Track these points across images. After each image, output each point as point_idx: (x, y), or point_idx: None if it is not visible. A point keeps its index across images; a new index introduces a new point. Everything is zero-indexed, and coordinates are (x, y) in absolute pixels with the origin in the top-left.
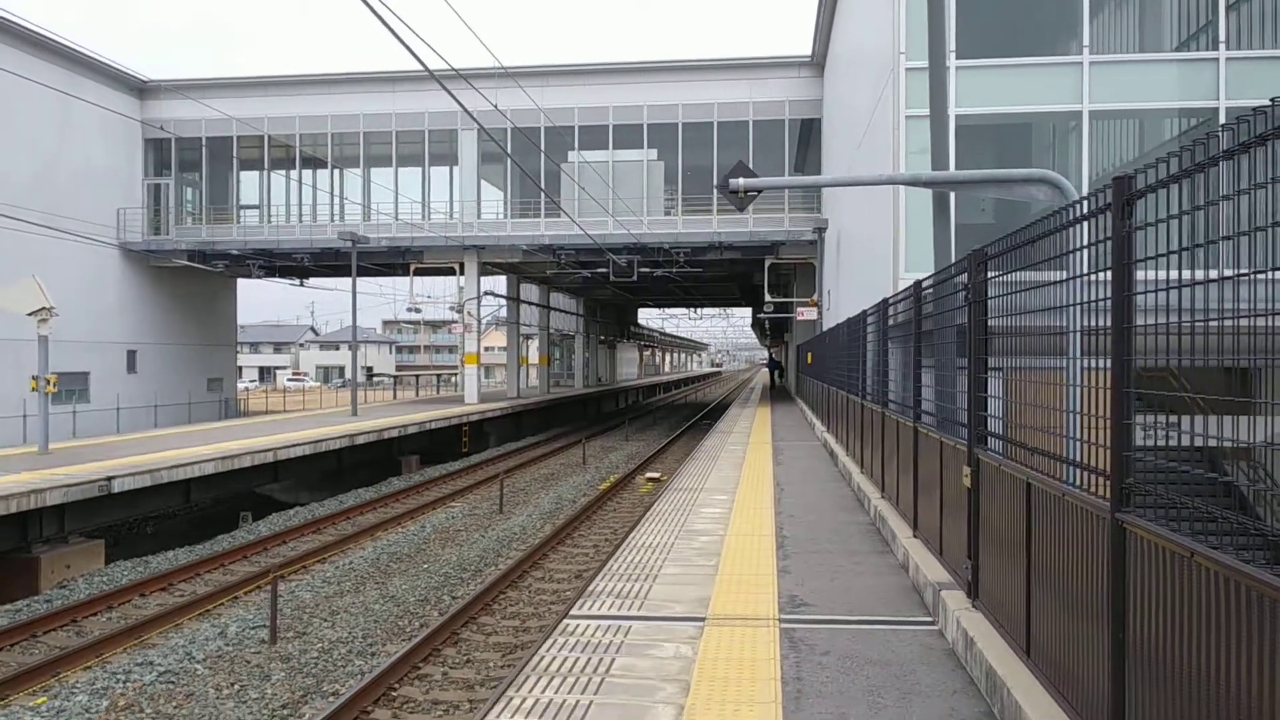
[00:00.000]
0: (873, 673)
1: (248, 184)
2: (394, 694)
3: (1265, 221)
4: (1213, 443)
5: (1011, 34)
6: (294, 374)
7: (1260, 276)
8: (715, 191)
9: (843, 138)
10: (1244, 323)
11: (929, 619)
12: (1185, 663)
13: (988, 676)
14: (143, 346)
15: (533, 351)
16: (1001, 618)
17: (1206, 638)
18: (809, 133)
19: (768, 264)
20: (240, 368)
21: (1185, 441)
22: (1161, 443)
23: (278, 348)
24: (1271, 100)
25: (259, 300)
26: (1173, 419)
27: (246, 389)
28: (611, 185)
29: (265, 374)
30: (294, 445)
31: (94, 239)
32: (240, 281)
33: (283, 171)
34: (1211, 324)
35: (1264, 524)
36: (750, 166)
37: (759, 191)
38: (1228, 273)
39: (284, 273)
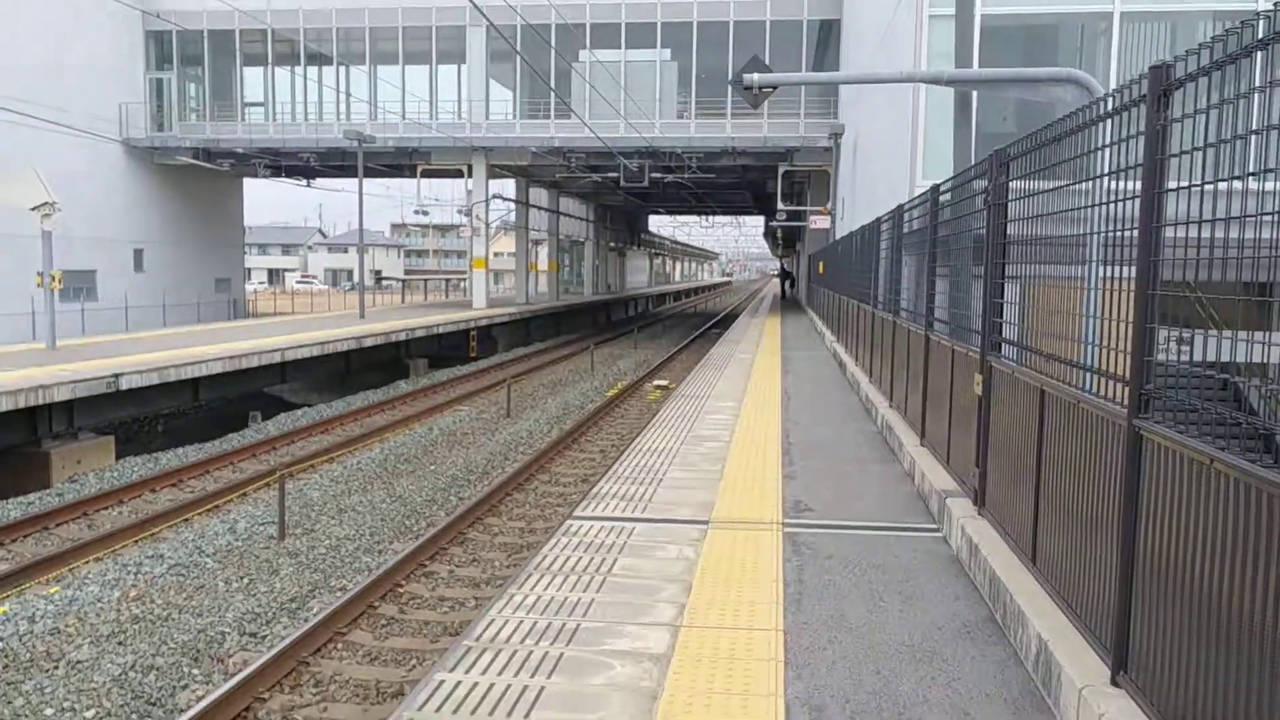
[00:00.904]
0: (874, 576)
1: (252, 80)
2: (400, 590)
3: None
4: (1228, 359)
5: None
6: (302, 276)
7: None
8: (729, 95)
9: (862, 39)
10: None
11: (933, 526)
12: (1197, 574)
13: (991, 583)
14: (149, 245)
15: (542, 257)
16: (1008, 526)
17: (1221, 548)
18: (828, 35)
19: (781, 171)
20: (248, 269)
21: (1200, 356)
22: (1176, 358)
23: (286, 250)
24: None
25: (267, 202)
26: (1190, 333)
27: (255, 290)
28: (624, 86)
29: (274, 276)
30: (302, 346)
31: (97, 134)
32: (247, 182)
33: (287, 68)
34: (1242, 236)
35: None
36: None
37: (773, 89)
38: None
39: (290, 172)
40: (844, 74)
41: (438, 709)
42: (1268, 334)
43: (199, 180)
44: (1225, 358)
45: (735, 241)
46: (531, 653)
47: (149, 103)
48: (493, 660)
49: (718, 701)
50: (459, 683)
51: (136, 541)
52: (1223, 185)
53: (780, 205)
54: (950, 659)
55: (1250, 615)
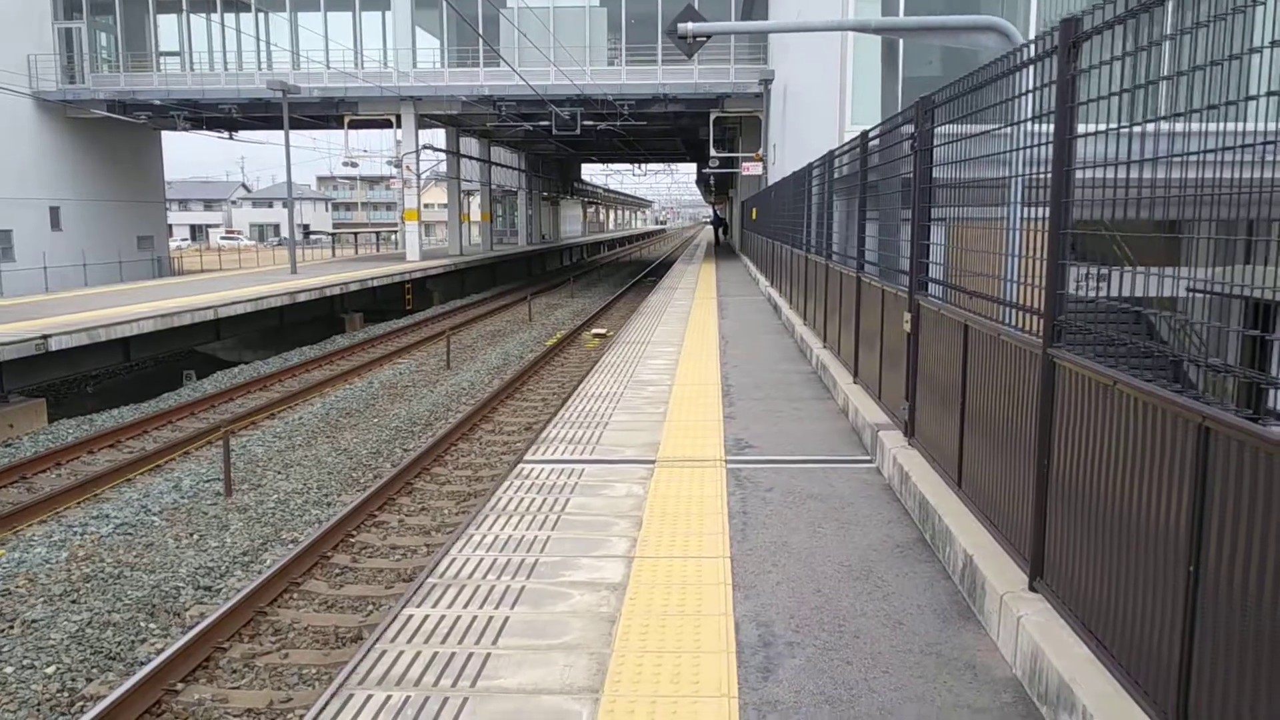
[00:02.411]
0: (814, 506)
1: (166, 29)
2: (352, 540)
3: (1209, 69)
4: (1140, 293)
5: None
6: (227, 232)
7: (1195, 127)
8: (660, 41)
9: None
10: (1176, 175)
11: (867, 458)
12: (1103, 484)
13: (921, 506)
14: (66, 203)
15: (474, 208)
16: (935, 454)
17: (1123, 464)
18: None
19: (713, 117)
20: (170, 226)
21: (1115, 292)
22: (1092, 295)
23: (209, 205)
24: None
25: (187, 157)
26: (1104, 270)
27: (179, 248)
28: (553, 33)
29: (197, 232)
30: (235, 303)
31: (4, 88)
32: (166, 135)
33: (204, 15)
34: (1146, 176)
35: (1181, 353)
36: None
37: (707, 37)
38: (1164, 126)
39: (211, 125)
40: (775, 23)
41: (409, 639)
42: (1176, 270)
43: (115, 134)
44: (1139, 292)
45: (668, 189)
46: (494, 587)
47: (59, 54)
48: (458, 595)
49: (672, 622)
50: (426, 616)
51: (79, 503)
52: (1138, 128)
53: (713, 152)
54: (884, 576)
55: (1145, 522)
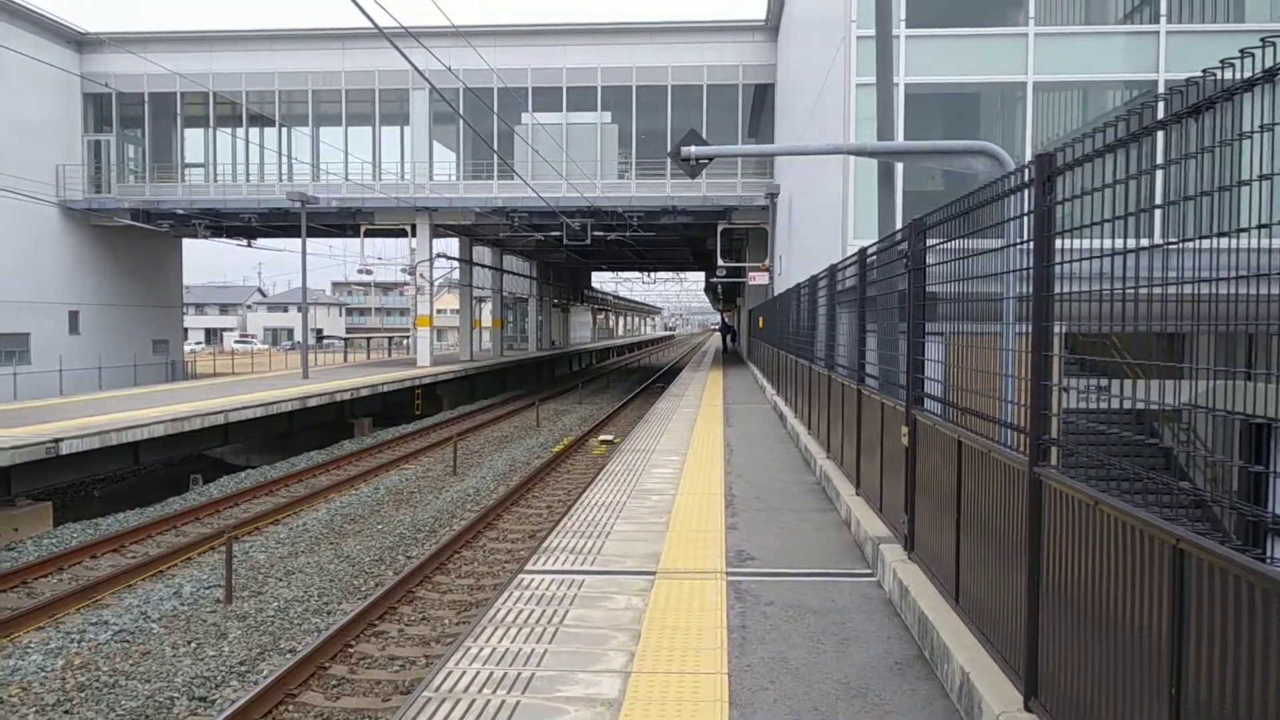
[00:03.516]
0: (813, 621)
1: (192, 142)
2: (351, 650)
3: (1184, 193)
4: (1142, 405)
5: (961, 3)
6: (241, 336)
7: (1174, 247)
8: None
9: (796, 103)
10: (1159, 291)
11: (868, 571)
12: (1089, 602)
13: (920, 622)
14: (85, 307)
15: (485, 314)
16: (934, 568)
17: (1107, 579)
18: (763, 97)
19: (720, 228)
20: (186, 329)
21: (1116, 405)
22: (1096, 405)
23: (224, 309)
24: (1203, 71)
25: (204, 260)
26: (1103, 382)
27: (193, 351)
28: (565, 148)
29: (211, 336)
30: (245, 407)
31: (32, 196)
32: (185, 241)
33: (228, 129)
34: (1128, 292)
35: (1164, 479)
36: (704, 130)
37: (710, 159)
38: (1144, 244)
39: (231, 233)
40: (776, 146)
41: None
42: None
43: (137, 241)
44: (1135, 403)
45: (677, 296)
46: (489, 701)
47: (87, 164)
48: (451, 710)
49: None
50: None
51: (79, 609)
52: (1115, 250)
53: (720, 261)
54: (883, 694)
55: (1130, 642)
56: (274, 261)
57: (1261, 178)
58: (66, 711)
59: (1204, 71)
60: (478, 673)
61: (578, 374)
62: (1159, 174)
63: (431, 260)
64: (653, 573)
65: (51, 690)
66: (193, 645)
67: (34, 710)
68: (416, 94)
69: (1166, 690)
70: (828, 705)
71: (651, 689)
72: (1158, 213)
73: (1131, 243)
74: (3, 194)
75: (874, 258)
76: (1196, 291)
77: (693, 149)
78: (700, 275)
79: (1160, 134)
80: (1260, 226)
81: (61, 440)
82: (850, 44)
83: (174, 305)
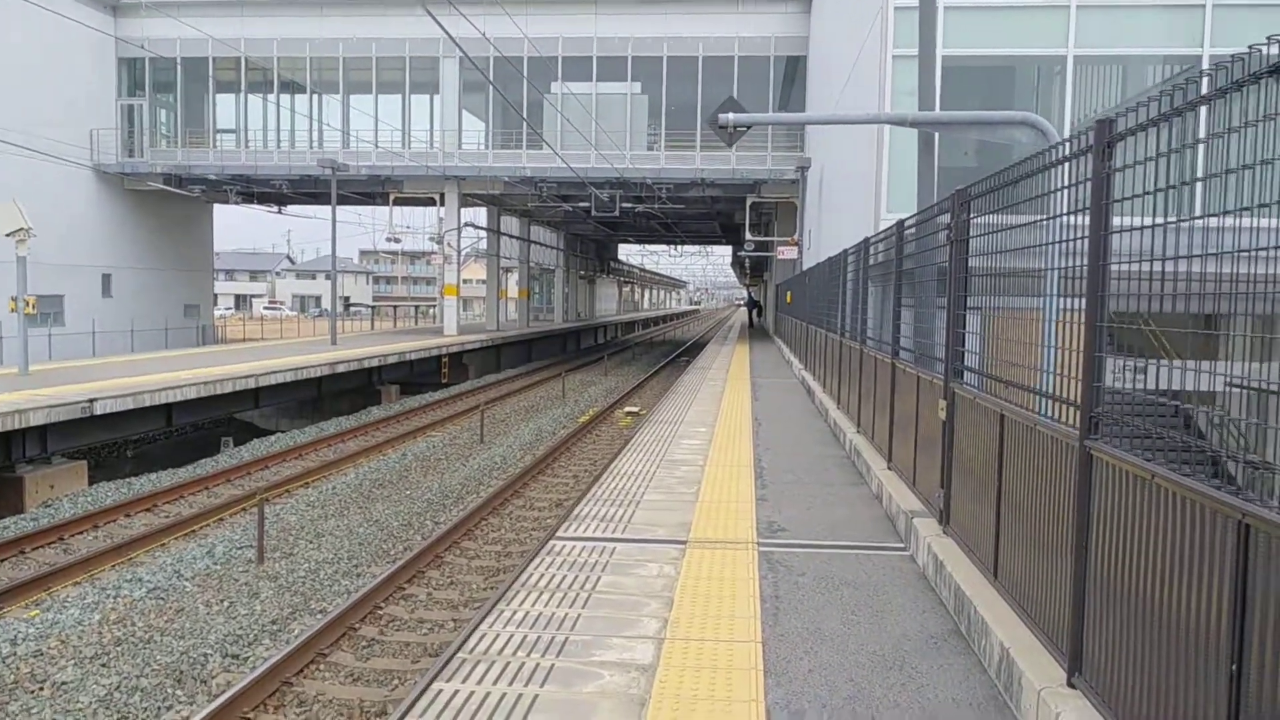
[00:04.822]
0: (847, 593)
1: (224, 107)
2: (380, 612)
3: (1242, 168)
4: (1178, 386)
5: None
6: (270, 302)
7: (1230, 222)
8: (699, 128)
9: (828, 76)
10: (1212, 269)
11: (901, 545)
12: (1142, 582)
13: (956, 596)
14: (118, 270)
15: (512, 285)
16: (970, 543)
17: (1162, 557)
18: (794, 71)
19: (749, 202)
20: (215, 295)
21: (1153, 385)
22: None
23: (253, 276)
24: (1249, 47)
25: (234, 227)
26: (1142, 362)
27: (223, 316)
28: (595, 118)
29: (241, 302)
30: (275, 372)
31: (67, 160)
32: (216, 207)
33: (260, 95)
34: (1182, 270)
35: (1220, 449)
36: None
37: (747, 128)
38: (1199, 222)
39: (261, 199)
40: (814, 114)
41: (439, 714)
42: (1213, 363)
43: (169, 206)
44: (1175, 385)
45: (703, 270)
46: (524, 664)
47: (120, 129)
48: (487, 671)
49: (702, 707)
50: (456, 691)
51: (114, 566)
52: (1171, 224)
53: (748, 235)
54: (919, 668)
55: (1186, 619)
56: (303, 229)
57: None
58: (104, 665)
59: (1250, 48)
60: (511, 635)
61: (603, 346)
62: (1223, 144)
63: (459, 229)
64: (684, 541)
65: (89, 644)
66: (225, 604)
67: (72, 662)
68: (447, 62)
69: (1226, 668)
70: (863, 676)
71: (686, 655)
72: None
73: (1182, 223)
74: (39, 157)
75: (912, 230)
76: (1235, 269)
77: (730, 116)
78: (727, 249)
79: (1222, 103)
80: None
81: (96, 400)
82: (888, 15)
83: (205, 270)
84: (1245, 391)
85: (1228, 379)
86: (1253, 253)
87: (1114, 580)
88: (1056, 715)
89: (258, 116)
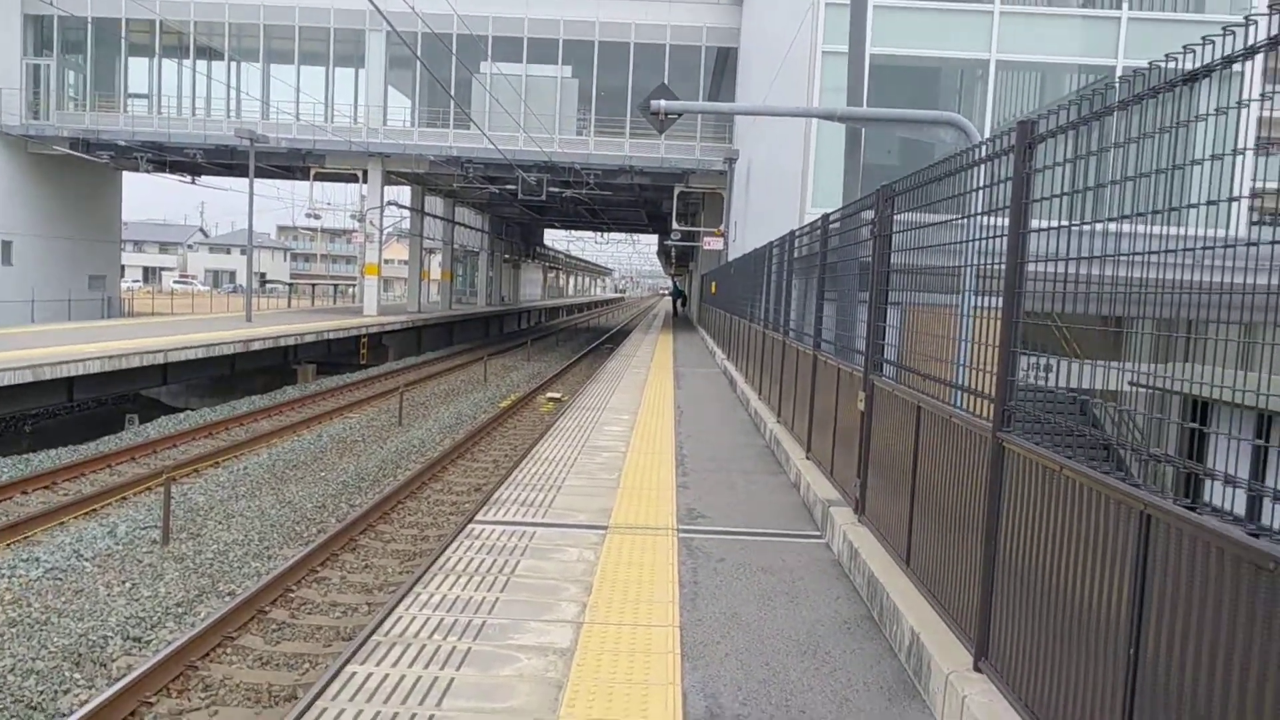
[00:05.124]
0: (764, 579)
1: (137, 71)
2: (292, 595)
3: (1157, 172)
4: (1086, 385)
5: None
6: (181, 276)
7: (1141, 228)
8: (629, 115)
9: (758, 70)
10: (1123, 273)
11: (817, 533)
12: (1047, 571)
13: (869, 583)
14: (19, 238)
15: (435, 266)
16: (885, 531)
17: (1068, 546)
18: (724, 63)
19: (677, 191)
20: (123, 266)
21: (1062, 382)
22: (1044, 382)
23: (164, 248)
24: (1165, 55)
25: (145, 196)
26: (1052, 360)
27: (131, 289)
28: (524, 100)
29: (150, 274)
30: (186, 348)
31: None
32: (126, 175)
33: (175, 60)
34: (1094, 272)
35: (1125, 442)
36: None
37: (678, 115)
38: (1113, 226)
39: (174, 168)
40: (745, 105)
41: (351, 697)
42: (1121, 363)
43: (76, 172)
44: (1083, 383)
45: (629, 258)
46: (440, 647)
47: (25, 89)
48: (403, 654)
49: (619, 690)
50: (370, 674)
51: (8, 545)
52: (1081, 227)
53: (675, 225)
54: (832, 652)
55: (1088, 605)
56: (218, 201)
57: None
58: None
59: (1166, 56)
60: (427, 619)
61: (527, 331)
62: (1133, 151)
63: (382, 208)
64: (605, 527)
65: None
66: (127, 585)
67: None
68: (373, 35)
69: (1125, 651)
70: (779, 661)
71: (604, 639)
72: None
73: (1097, 225)
74: None
75: (837, 224)
76: (1145, 274)
77: (662, 103)
78: (654, 238)
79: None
80: (1210, 203)
81: None
82: (819, 11)
83: (112, 240)
84: (1144, 390)
85: (1134, 378)
86: (1147, 256)
87: (1021, 568)
88: (963, 698)
89: (172, 82)
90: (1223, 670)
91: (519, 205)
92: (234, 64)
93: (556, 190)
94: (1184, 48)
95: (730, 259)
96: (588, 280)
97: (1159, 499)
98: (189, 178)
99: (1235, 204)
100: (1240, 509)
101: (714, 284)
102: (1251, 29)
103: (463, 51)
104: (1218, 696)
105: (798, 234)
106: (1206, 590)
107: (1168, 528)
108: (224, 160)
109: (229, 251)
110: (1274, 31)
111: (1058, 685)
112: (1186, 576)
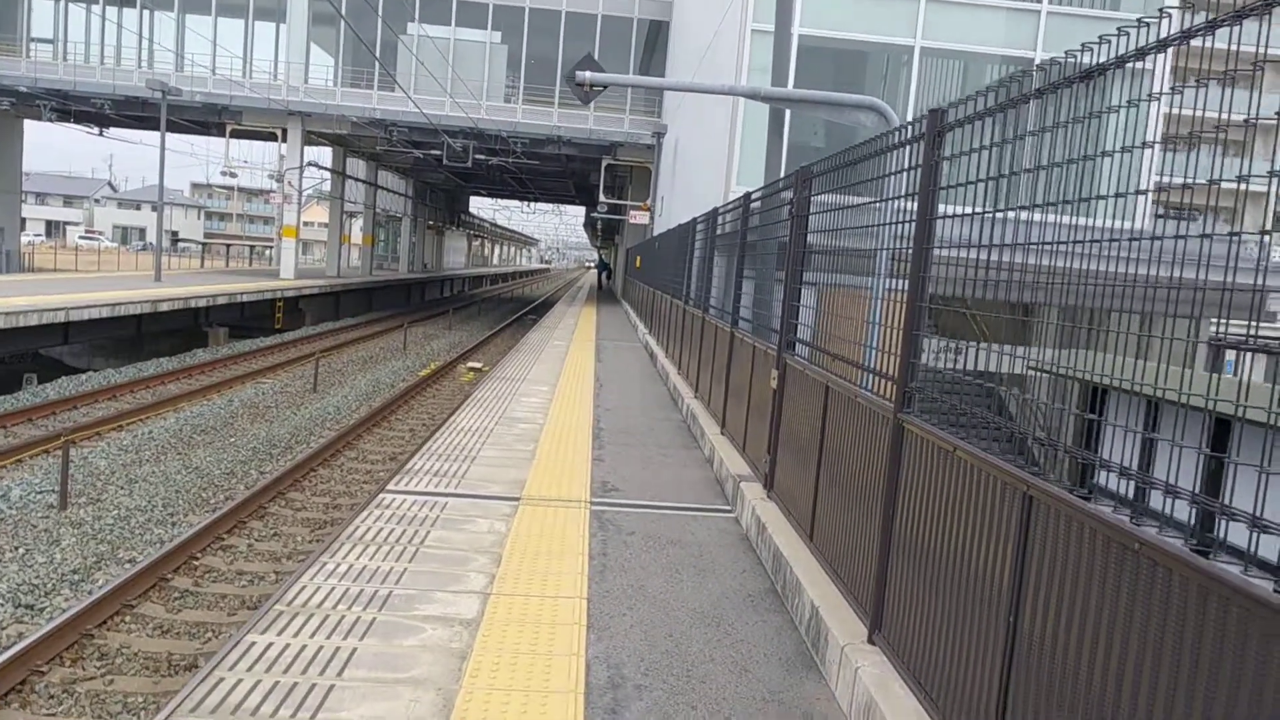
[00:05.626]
0: (673, 552)
1: (41, 14)
2: (196, 563)
3: (1064, 164)
4: (992, 368)
5: None
6: (87, 231)
7: (1050, 218)
8: (558, 84)
9: (689, 46)
10: (1031, 260)
11: (728, 508)
12: (939, 544)
13: (774, 557)
14: None
15: (356, 230)
16: (791, 507)
17: (958, 523)
18: (656, 36)
19: (605, 164)
20: (24, 219)
21: (969, 366)
22: (949, 366)
23: (68, 201)
24: (1081, 45)
25: (48, 146)
26: (958, 344)
27: (32, 243)
28: (452, 64)
29: (53, 229)
30: (89, 306)
31: None
32: (29, 124)
33: (83, 4)
34: (1001, 259)
35: (1016, 426)
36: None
37: (604, 87)
38: (1023, 215)
39: (80, 118)
40: (672, 80)
41: (250, 667)
42: (1027, 349)
43: None
44: (989, 368)
45: (555, 229)
46: (344, 617)
47: None
48: (305, 623)
49: (523, 660)
50: (270, 644)
51: None
52: (989, 214)
53: (602, 197)
54: (735, 624)
55: (973, 578)
56: (128, 155)
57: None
58: None
59: (1082, 45)
60: (333, 588)
61: (449, 299)
62: (1042, 142)
63: (301, 168)
64: (517, 499)
65: None
66: (20, 551)
67: None
68: None
69: (1006, 620)
70: (682, 632)
71: (510, 610)
72: (1032, 183)
73: (1001, 214)
74: None
75: (758, 203)
76: (1053, 263)
77: (588, 74)
78: (581, 210)
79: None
80: (1118, 195)
81: None
82: None
83: (11, 191)
84: (1044, 376)
85: (1038, 364)
86: (1056, 246)
87: (915, 545)
88: (856, 669)
89: (80, 28)
90: (1090, 639)
91: (444, 171)
92: (147, 11)
93: (483, 158)
94: (1100, 38)
95: (656, 234)
96: (513, 250)
97: (1040, 481)
98: (96, 129)
99: (1140, 197)
100: (1131, 492)
101: (639, 258)
102: (1164, 22)
103: (389, 11)
104: (1085, 662)
105: (721, 211)
106: (1080, 567)
107: (1047, 508)
108: (135, 113)
109: (139, 207)
110: (1186, 25)
111: (942, 653)
112: (1062, 554)
